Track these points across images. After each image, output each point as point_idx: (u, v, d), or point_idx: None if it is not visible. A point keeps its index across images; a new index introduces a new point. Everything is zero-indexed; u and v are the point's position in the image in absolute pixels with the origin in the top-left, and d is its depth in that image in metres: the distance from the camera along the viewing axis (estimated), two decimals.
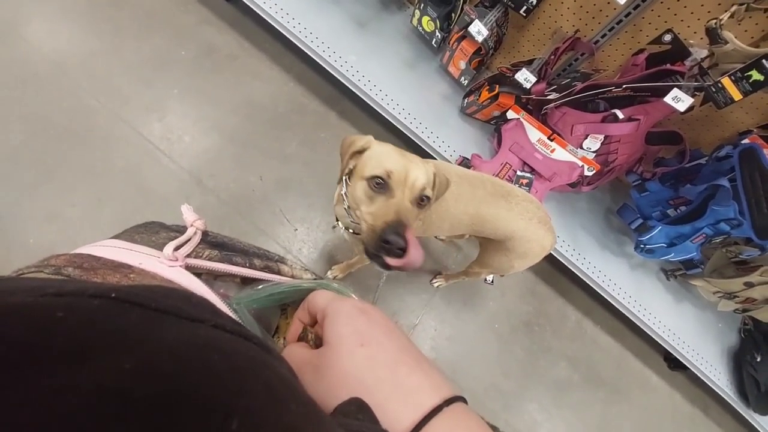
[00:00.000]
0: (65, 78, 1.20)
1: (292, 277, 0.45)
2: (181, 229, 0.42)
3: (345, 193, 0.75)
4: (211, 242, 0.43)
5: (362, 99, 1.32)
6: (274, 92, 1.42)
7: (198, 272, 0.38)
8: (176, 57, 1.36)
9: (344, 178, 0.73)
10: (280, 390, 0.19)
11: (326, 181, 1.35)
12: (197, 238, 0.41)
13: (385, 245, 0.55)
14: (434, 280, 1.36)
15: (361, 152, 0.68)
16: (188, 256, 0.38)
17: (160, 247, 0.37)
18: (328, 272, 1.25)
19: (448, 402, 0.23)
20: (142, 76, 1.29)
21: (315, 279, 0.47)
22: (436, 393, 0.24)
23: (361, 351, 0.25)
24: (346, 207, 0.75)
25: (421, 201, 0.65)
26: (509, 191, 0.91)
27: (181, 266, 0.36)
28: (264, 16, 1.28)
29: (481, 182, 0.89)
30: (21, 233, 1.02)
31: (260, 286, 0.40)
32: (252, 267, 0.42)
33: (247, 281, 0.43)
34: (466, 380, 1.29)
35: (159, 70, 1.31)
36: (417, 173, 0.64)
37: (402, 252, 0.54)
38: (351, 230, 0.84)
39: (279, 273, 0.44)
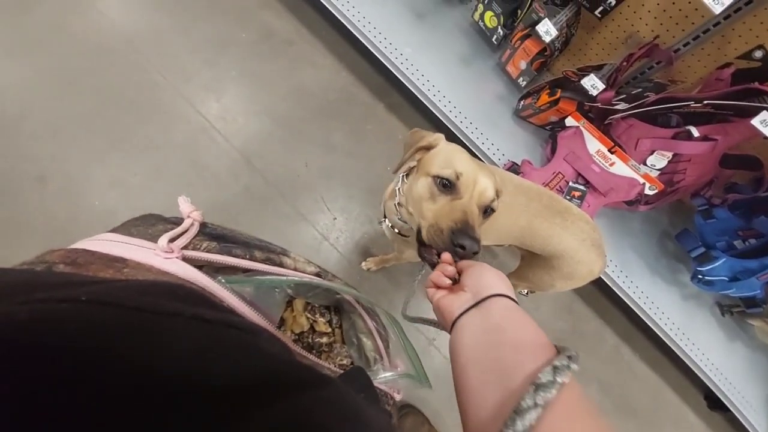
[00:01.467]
0: (136, 53, 1.27)
1: (295, 269, 0.45)
2: (179, 222, 0.42)
3: (399, 189, 0.73)
4: (210, 234, 0.43)
5: (412, 92, 1.30)
6: (326, 80, 1.43)
7: (199, 264, 0.38)
8: (237, 39, 1.39)
9: (401, 174, 0.71)
10: (266, 366, 0.20)
11: (369, 174, 1.35)
12: (194, 230, 0.40)
13: (459, 249, 0.51)
14: None
15: (428, 148, 0.66)
16: (185, 248, 0.38)
17: (155, 239, 0.37)
18: (362, 264, 1.26)
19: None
20: (204, 55, 1.33)
21: (317, 273, 0.46)
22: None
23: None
24: (397, 203, 0.74)
25: (485, 211, 0.62)
26: (566, 208, 0.86)
27: (177, 258, 0.36)
28: (323, 1, 1.27)
29: (538, 195, 0.85)
30: (88, 195, 1.10)
31: (255, 276, 0.39)
32: (252, 259, 0.41)
33: (249, 274, 0.43)
34: None
35: (220, 51, 1.35)
36: (487, 182, 0.59)
37: (475, 255, 0.52)
38: (397, 230, 0.83)
39: (281, 265, 0.43)
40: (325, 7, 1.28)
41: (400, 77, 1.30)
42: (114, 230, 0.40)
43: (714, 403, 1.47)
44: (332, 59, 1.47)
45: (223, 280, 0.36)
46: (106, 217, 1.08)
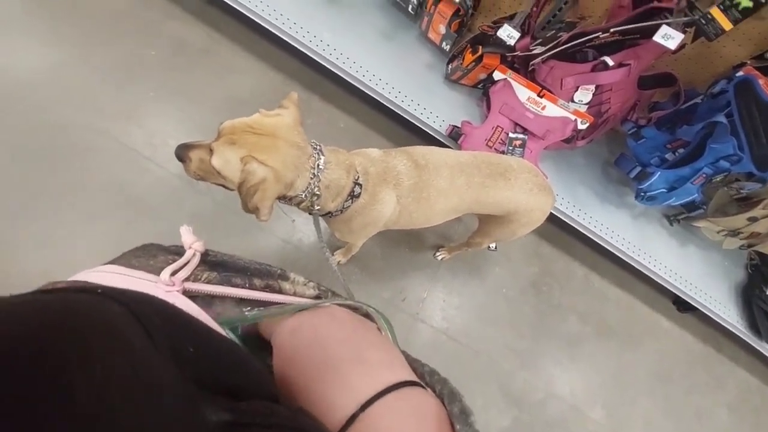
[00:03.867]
0: (35, 95, 1.16)
1: (294, 294, 0.45)
2: (180, 251, 0.42)
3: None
4: (210, 262, 0.43)
5: (343, 78, 1.28)
6: (254, 83, 1.38)
7: (197, 294, 0.39)
8: (147, 58, 1.31)
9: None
10: None
11: None
12: (196, 261, 0.41)
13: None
14: (437, 254, 1.36)
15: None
16: (186, 279, 0.38)
17: (157, 271, 0.37)
18: (330, 259, 1.25)
19: (364, 406, 0.25)
20: (114, 82, 1.24)
21: (317, 295, 0.47)
22: (352, 399, 0.25)
23: (287, 373, 0.30)
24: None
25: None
26: (506, 167, 0.87)
27: (178, 291, 0.36)
28: (230, 2, 1.22)
29: (477, 167, 0.85)
30: (16, 262, 1.01)
31: (250, 311, 0.40)
32: (252, 287, 0.42)
33: (245, 300, 0.44)
34: (480, 344, 1.31)
35: (131, 74, 1.27)
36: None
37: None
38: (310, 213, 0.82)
39: (280, 291, 0.44)
40: (233, 7, 1.23)
41: (325, 65, 1.27)
42: (114, 261, 0.40)
43: (682, 305, 1.60)
44: (255, 61, 1.41)
45: (221, 320, 0.38)
46: (42, 280, 1.00)
